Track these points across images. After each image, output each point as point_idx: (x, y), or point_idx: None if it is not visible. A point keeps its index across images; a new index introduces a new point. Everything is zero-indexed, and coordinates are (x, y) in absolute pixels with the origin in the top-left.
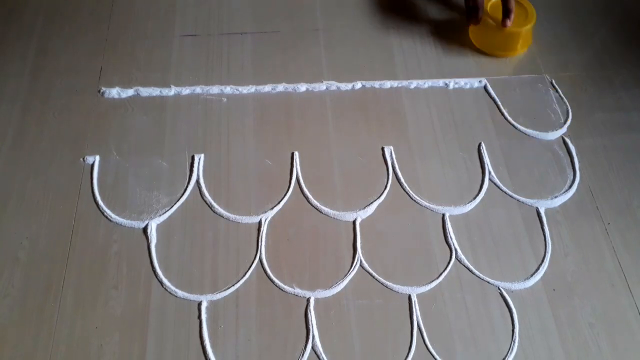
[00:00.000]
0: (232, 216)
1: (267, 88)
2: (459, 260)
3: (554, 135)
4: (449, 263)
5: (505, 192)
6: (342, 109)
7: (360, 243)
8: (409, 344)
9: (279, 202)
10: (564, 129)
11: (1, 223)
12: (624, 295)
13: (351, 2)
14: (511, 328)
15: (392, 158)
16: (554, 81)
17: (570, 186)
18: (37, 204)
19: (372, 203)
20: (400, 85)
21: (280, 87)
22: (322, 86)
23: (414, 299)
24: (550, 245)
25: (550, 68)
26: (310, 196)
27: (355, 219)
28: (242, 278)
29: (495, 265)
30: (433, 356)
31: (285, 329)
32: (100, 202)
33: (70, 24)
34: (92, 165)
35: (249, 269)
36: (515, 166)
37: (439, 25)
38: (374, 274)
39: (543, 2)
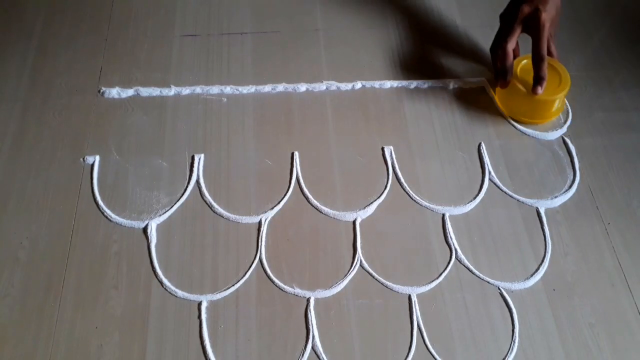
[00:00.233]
0: (232, 216)
1: (267, 88)
2: (459, 260)
3: (554, 135)
4: (449, 263)
5: (505, 192)
6: (342, 109)
7: (360, 243)
8: (409, 344)
9: (279, 202)
10: (564, 129)
11: (1, 223)
12: (624, 295)
13: (351, 2)
14: (511, 328)
15: (392, 158)
16: None
17: (570, 186)
18: (37, 204)
19: (372, 203)
20: (400, 85)
21: (280, 87)
22: (322, 86)
23: (414, 299)
24: (550, 245)
25: None
26: (310, 196)
27: (355, 219)
28: (242, 278)
29: (495, 265)
30: (433, 356)
31: (285, 329)
32: (100, 202)
33: (70, 24)
34: (92, 165)
35: (249, 269)
36: (515, 166)
37: (439, 26)
38: (374, 274)
39: None
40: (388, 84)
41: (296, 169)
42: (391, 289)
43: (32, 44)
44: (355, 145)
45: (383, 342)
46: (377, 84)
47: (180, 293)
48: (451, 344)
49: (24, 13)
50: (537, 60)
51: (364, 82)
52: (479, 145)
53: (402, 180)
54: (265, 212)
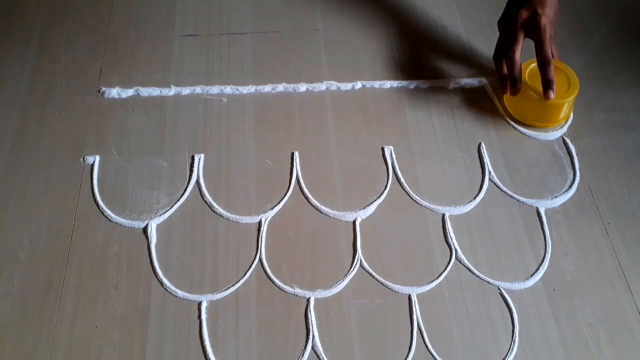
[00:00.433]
0: (232, 216)
1: (267, 88)
2: (459, 260)
3: (554, 135)
4: (449, 263)
5: (505, 192)
6: (342, 109)
7: (360, 243)
8: (409, 344)
9: (279, 202)
10: (564, 129)
11: (1, 223)
12: (624, 295)
13: (351, 2)
14: (511, 328)
15: (392, 158)
16: None
17: (570, 186)
18: (37, 204)
19: (372, 203)
20: (400, 85)
21: (280, 87)
22: (322, 86)
23: (414, 299)
24: (550, 245)
25: None
26: (310, 196)
27: (355, 219)
28: (242, 278)
29: (495, 265)
30: (433, 356)
31: (285, 329)
32: (100, 202)
33: (70, 24)
34: (92, 165)
35: (249, 269)
36: (515, 166)
37: (439, 26)
38: (374, 274)
39: None
40: (388, 84)
41: (296, 169)
42: (391, 289)
43: (33, 44)
44: (355, 145)
45: (383, 342)
46: (377, 84)
47: (180, 293)
48: (451, 344)
49: (24, 13)
50: (544, 65)
51: (364, 82)
52: (479, 145)
53: (402, 180)
54: (265, 212)
